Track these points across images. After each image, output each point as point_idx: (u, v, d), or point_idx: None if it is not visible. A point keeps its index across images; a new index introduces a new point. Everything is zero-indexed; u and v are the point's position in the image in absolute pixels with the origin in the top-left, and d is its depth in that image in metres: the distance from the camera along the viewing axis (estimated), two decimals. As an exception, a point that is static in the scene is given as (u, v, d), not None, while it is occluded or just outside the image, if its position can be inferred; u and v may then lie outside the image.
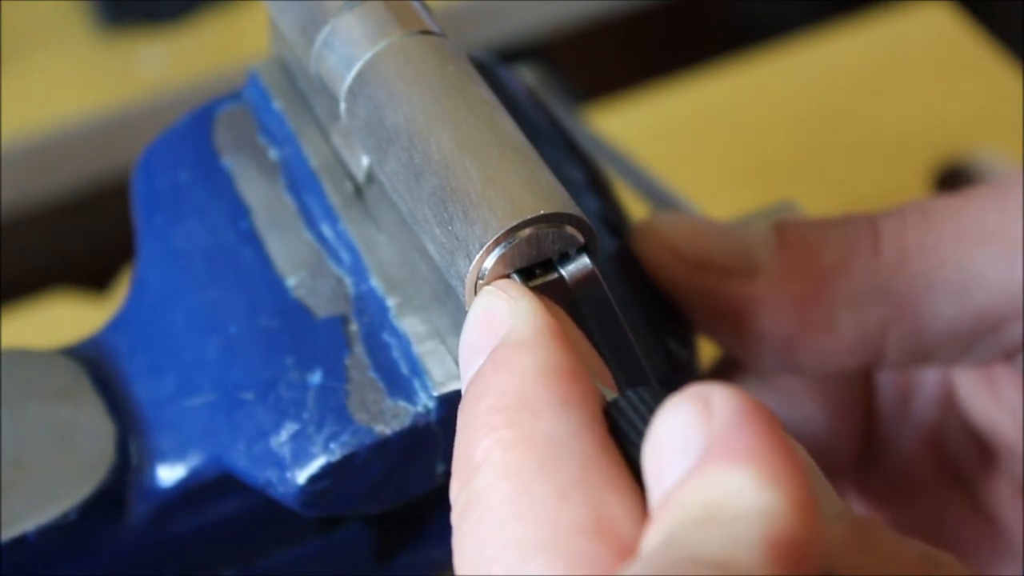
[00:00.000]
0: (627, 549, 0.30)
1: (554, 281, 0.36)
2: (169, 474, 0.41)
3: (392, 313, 0.40)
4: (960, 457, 0.48)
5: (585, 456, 0.31)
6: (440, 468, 0.40)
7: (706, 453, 0.29)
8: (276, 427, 0.39)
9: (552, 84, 0.71)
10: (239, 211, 0.42)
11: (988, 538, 0.47)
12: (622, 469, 0.32)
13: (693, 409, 0.30)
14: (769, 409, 0.30)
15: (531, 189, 0.36)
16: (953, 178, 0.72)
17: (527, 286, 0.35)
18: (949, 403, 0.48)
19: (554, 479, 0.31)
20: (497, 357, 0.34)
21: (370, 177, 0.40)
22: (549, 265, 0.36)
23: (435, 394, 0.39)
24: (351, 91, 0.39)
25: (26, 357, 0.43)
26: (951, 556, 0.33)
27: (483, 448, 0.32)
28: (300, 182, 0.42)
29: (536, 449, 0.32)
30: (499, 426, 0.32)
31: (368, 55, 0.39)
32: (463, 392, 0.34)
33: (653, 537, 0.29)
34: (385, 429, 0.39)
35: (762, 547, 0.28)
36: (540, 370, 0.33)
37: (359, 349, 0.40)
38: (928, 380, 0.48)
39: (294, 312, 0.41)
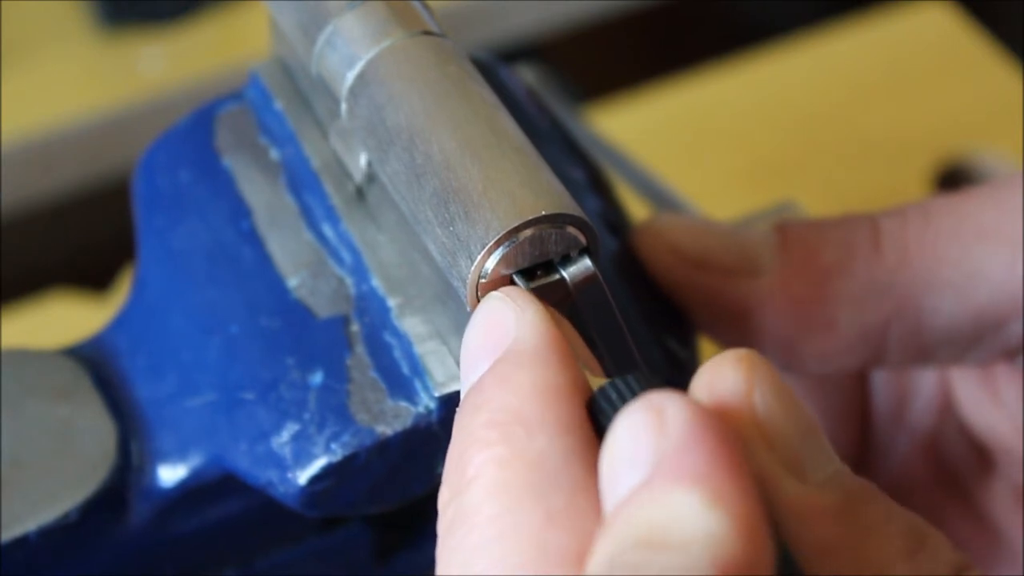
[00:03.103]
0: None
1: (555, 283, 0.36)
2: (170, 474, 0.41)
3: (393, 313, 0.40)
4: (957, 462, 0.48)
5: (576, 482, 0.31)
6: (440, 469, 0.40)
7: (655, 470, 0.29)
8: (277, 427, 0.39)
9: (552, 84, 0.71)
10: (240, 211, 0.42)
11: (986, 543, 0.47)
12: None
13: (645, 420, 0.30)
14: (722, 420, 0.30)
15: (533, 189, 0.36)
16: (953, 178, 0.72)
17: (529, 287, 0.35)
18: (946, 408, 0.48)
19: (543, 503, 0.31)
20: (499, 370, 0.33)
21: (371, 177, 0.40)
22: (550, 266, 0.36)
23: (436, 395, 0.39)
24: (352, 91, 0.39)
25: (26, 357, 0.43)
26: (940, 534, 0.33)
27: (476, 464, 0.32)
28: (301, 182, 0.42)
29: (528, 470, 0.32)
30: (494, 442, 0.32)
31: (369, 55, 0.38)
32: (461, 399, 0.34)
33: (598, 555, 0.29)
34: (386, 429, 0.39)
35: (710, 572, 0.28)
36: (540, 388, 0.33)
37: (360, 349, 0.40)
38: (925, 385, 0.48)
39: (295, 312, 0.40)
